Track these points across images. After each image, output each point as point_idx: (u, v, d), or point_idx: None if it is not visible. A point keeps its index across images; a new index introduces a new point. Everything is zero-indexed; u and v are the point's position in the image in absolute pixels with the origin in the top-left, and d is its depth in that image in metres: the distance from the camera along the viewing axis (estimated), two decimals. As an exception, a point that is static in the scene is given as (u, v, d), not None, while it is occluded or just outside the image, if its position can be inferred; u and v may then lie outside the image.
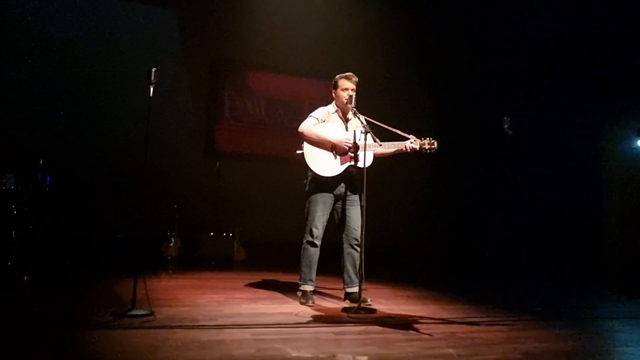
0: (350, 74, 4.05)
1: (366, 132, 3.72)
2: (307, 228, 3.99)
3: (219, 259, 6.17)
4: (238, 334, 3.02)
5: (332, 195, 4.00)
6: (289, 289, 4.34)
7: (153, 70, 3.41)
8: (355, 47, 7.57)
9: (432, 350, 2.88)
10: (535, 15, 6.98)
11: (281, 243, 5.67)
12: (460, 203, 8.12)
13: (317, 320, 3.46)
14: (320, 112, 4.05)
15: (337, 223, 4.07)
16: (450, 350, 2.87)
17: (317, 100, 5.06)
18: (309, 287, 3.98)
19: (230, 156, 7.57)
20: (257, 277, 5.15)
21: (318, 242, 3.98)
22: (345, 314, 3.63)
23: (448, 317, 3.71)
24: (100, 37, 6.82)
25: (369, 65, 7.18)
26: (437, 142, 3.93)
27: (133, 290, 3.25)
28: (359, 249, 3.85)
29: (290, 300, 4.07)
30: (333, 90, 4.11)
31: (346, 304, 3.98)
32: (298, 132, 3.99)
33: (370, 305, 3.90)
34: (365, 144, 3.73)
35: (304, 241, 4.00)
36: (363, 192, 3.77)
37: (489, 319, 3.72)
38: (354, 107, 3.87)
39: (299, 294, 4.01)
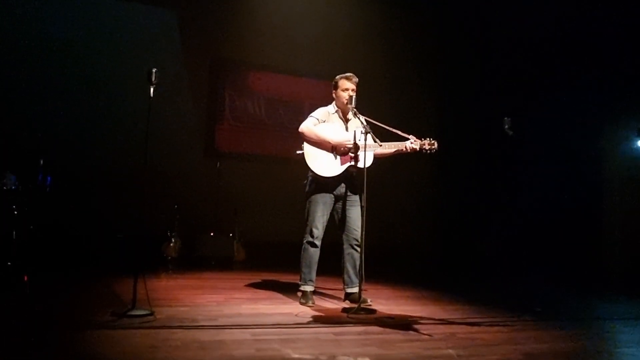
0: (351, 74, 4.06)
1: (366, 133, 3.72)
2: (307, 228, 3.99)
3: (219, 259, 6.17)
4: (238, 334, 3.02)
5: (332, 195, 4.00)
6: (289, 289, 4.35)
7: (153, 70, 3.42)
8: (355, 47, 7.57)
9: (432, 350, 2.88)
10: (535, 15, 6.97)
11: (281, 243, 5.67)
12: (460, 203, 8.11)
13: (317, 320, 3.46)
14: (320, 113, 4.06)
15: (337, 223, 4.08)
16: (450, 350, 2.87)
17: (317, 101, 5.06)
18: (309, 288, 3.98)
19: (231, 156, 7.56)
20: (257, 278, 5.15)
21: (318, 243, 3.98)
22: (345, 315, 3.64)
23: (448, 317, 3.72)
24: (100, 37, 6.82)
25: (369, 65, 7.18)
26: (437, 143, 3.93)
27: (133, 290, 3.25)
28: (359, 249, 3.85)
29: (290, 300, 4.08)
30: (333, 91, 4.11)
31: (346, 304, 3.98)
32: (298, 132, 3.99)
33: (370, 305, 3.90)
34: (365, 145, 3.73)
35: (304, 241, 4.01)
36: (363, 192, 3.77)
37: (488, 319, 3.72)
38: (354, 108, 3.87)
39: (299, 294, 4.02)
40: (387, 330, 3.29)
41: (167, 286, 4.57)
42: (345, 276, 4.02)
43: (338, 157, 3.97)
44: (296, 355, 2.66)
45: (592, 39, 6.59)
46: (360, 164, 3.81)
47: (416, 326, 3.40)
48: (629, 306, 4.96)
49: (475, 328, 3.46)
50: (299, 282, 4.02)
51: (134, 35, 6.97)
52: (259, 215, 6.94)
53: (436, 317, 3.70)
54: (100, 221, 6.21)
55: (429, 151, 3.93)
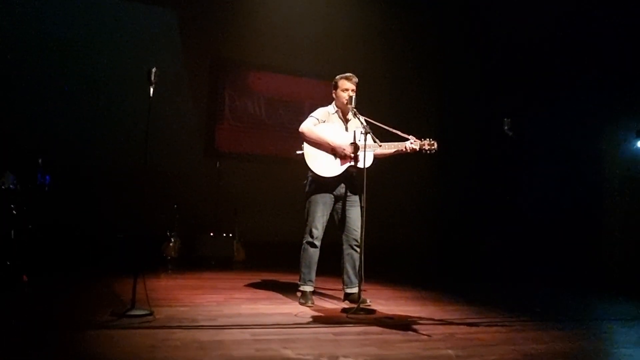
0: (350, 74, 4.06)
1: (366, 133, 3.72)
2: (307, 228, 3.99)
3: (219, 259, 6.18)
4: (237, 334, 3.03)
5: (332, 195, 4.01)
6: (289, 290, 4.35)
7: (153, 70, 3.42)
8: (355, 47, 7.58)
9: (431, 351, 2.89)
10: (535, 15, 6.97)
11: (281, 243, 5.67)
12: (460, 204, 8.11)
13: (316, 320, 3.47)
14: (320, 113, 4.06)
15: (337, 224, 4.08)
16: (449, 351, 2.87)
17: (317, 101, 5.06)
18: (308, 288, 3.99)
19: (230, 156, 7.56)
20: (257, 278, 5.15)
21: (318, 243, 3.98)
22: (344, 315, 3.64)
23: (447, 318, 3.72)
24: (100, 37, 6.82)
25: (369, 65, 7.19)
26: (437, 143, 3.94)
27: (133, 290, 3.25)
28: (358, 249, 3.85)
29: (290, 300, 4.08)
30: (333, 91, 4.11)
31: (345, 304, 3.99)
32: (298, 133, 3.99)
33: (369, 306, 3.91)
34: (365, 145, 3.74)
35: (304, 242, 4.01)
36: (363, 192, 3.77)
37: (487, 320, 3.72)
38: (354, 108, 3.88)
39: (299, 294, 4.02)
40: (387, 330, 3.29)
41: (167, 286, 4.57)
42: (345, 276, 4.03)
43: (338, 157, 3.97)
44: (296, 356, 2.66)
45: (592, 39, 6.59)
46: (360, 164, 3.81)
47: (415, 326, 3.40)
48: (628, 307, 4.96)
49: (474, 328, 3.46)
50: (299, 282, 4.03)
51: (134, 35, 6.97)
52: (258, 215, 6.95)
53: (435, 318, 3.70)
54: (100, 221, 6.21)
55: (428, 151, 3.93)
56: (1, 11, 6.33)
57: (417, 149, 3.93)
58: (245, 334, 3.02)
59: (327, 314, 3.69)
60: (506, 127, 4.63)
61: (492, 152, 7.58)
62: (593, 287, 5.80)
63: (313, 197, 4.00)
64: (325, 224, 4.01)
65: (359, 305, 3.70)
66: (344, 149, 3.90)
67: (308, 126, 3.97)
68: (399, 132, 3.92)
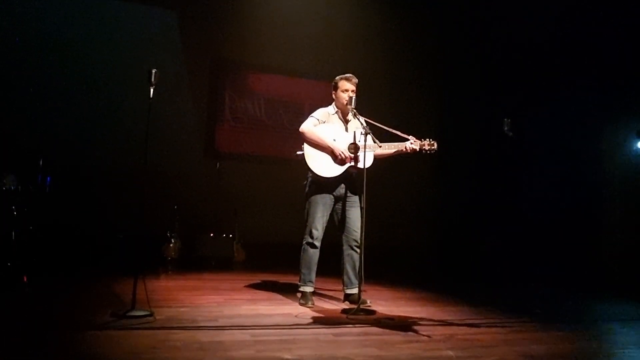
0: (350, 75, 4.06)
1: (366, 134, 3.72)
2: (307, 229, 3.99)
3: (219, 260, 6.17)
4: (238, 335, 3.03)
5: (332, 196, 4.01)
6: (289, 290, 4.35)
7: (153, 71, 3.41)
8: (355, 47, 7.58)
9: (431, 351, 2.89)
10: (535, 15, 6.97)
11: (281, 244, 5.67)
12: (460, 204, 8.11)
13: (316, 321, 3.46)
14: (320, 113, 4.06)
15: (336, 224, 4.08)
16: (449, 352, 2.87)
17: (317, 101, 5.06)
18: (308, 289, 3.99)
19: (231, 157, 7.57)
20: (257, 278, 5.15)
21: (318, 244, 3.98)
22: (344, 316, 3.64)
23: (447, 318, 3.72)
24: (100, 37, 6.82)
25: (369, 65, 7.19)
26: (437, 143, 3.94)
27: (133, 290, 3.25)
28: (358, 250, 3.85)
29: (290, 301, 4.08)
30: (333, 92, 4.11)
31: (345, 305, 3.99)
32: (299, 133, 3.99)
33: (369, 306, 3.91)
34: (365, 145, 3.74)
35: (304, 242, 4.01)
36: (363, 193, 3.77)
37: (488, 320, 3.72)
38: (354, 109, 3.88)
39: (299, 295, 4.02)
40: (387, 331, 3.29)
41: (167, 287, 4.57)
42: (345, 277, 4.03)
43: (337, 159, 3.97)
44: (296, 356, 2.66)
45: (592, 39, 6.59)
46: (360, 165, 3.81)
47: (415, 327, 3.40)
48: (628, 307, 4.96)
49: (474, 329, 3.46)
50: (299, 283, 4.03)
51: (134, 35, 6.98)
52: (258, 215, 6.94)
53: (435, 318, 3.70)
54: (100, 222, 6.22)
55: (428, 152, 3.93)
56: (1, 11, 6.33)
57: (417, 149, 3.92)
58: (246, 335, 3.02)
59: (327, 315, 3.69)
60: (506, 128, 4.62)
61: (492, 152, 7.57)
62: (593, 287, 5.80)
63: (313, 197, 3.99)
64: (325, 225, 4.01)
65: (359, 306, 3.70)
66: (342, 153, 3.90)
67: (308, 127, 3.97)
68: (399, 133, 3.92)
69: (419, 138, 3.95)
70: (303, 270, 4.00)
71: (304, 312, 3.70)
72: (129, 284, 3.31)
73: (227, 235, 6.35)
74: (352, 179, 4.01)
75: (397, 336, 3.19)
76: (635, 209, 6.47)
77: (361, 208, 3.90)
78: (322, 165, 3.94)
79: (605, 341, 3.60)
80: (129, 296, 3.27)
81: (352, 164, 3.91)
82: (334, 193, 4.00)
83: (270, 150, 7.83)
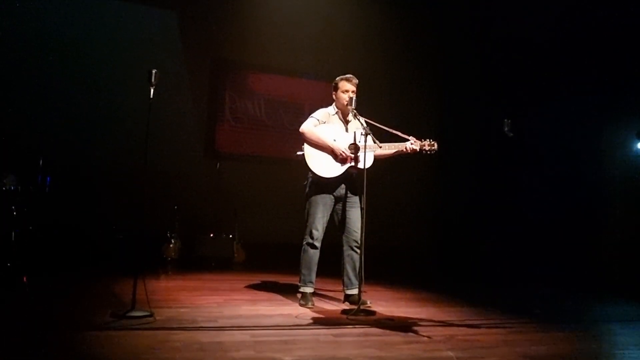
0: (351, 75, 4.06)
1: (366, 134, 3.72)
2: (307, 230, 3.99)
3: (219, 260, 6.17)
4: (237, 335, 3.03)
5: (332, 196, 4.00)
6: (289, 291, 4.35)
7: (154, 71, 3.41)
8: (356, 48, 7.58)
9: (431, 352, 2.89)
10: (535, 15, 6.97)
11: (281, 244, 5.68)
12: (460, 204, 8.11)
13: (316, 322, 3.46)
14: (320, 114, 4.06)
15: (337, 225, 4.07)
16: (450, 352, 2.87)
17: (317, 102, 5.06)
18: (308, 289, 3.98)
19: (231, 157, 7.57)
20: (257, 279, 5.15)
21: (318, 244, 3.98)
22: (344, 316, 3.64)
23: (447, 319, 3.72)
24: (101, 37, 6.82)
25: (369, 65, 7.20)
26: (437, 144, 3.93)
27: (133, 291, 3.25)
28: (358, 250, 3.85)
29: (290, 302, 4.08)
30: (333, 92, 4.11)
31: (346, 306, 3.98)
32: (299, 133, 3.99)
33: (369, 307, 3.90)
34: (365, 146, 3.74)
35: (304, 243, 4.00)
36: (363, 193, 3.77)
37: (488, 321, 3.72)
38: (354, 109, 3.88)
39: (299, 295, 4.02)
40: (387, 331, 3.29)
41: (167, 287, 4.57)
42: (345, 278, 4.02)
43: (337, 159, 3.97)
44: (296, 357, 2.66)
45: (592, 39, 6.59)
46: (360, 165, 3.81)
47: (416, 328, 3.40)
48: (628, 308, 4.96)
49: (475, 330, 3.46)
50: (299, 284, 4.02)
51: (135, 35, 6.98)
52: (258, 216, 6.95)
53: (436, 319, 3.70)
54: (100, 222, 6.22)
55: (429, 152, 3.93)
56: (1, 11, 6.33)
57: (418, 150, 3.92)
58: (245, 335, 3.02)
59: (327, 316, 3.68)
60: (506, 128, 4.62)
61: (492, 152, 7.57)
62: (593, 288, 5.80)
63: (313, 198, 3.99)
64: (325, 225, 4.01)
65: (359, 307, 3.69)
66: (343, 152, 3.90)
67: (308, 127, 3.97)
68: (399, 133, 3.91)
69: (419, 138, 3.95)
70: (303, 271, 3.99)
71: (304, 313, 3.70)
72: (129, 284, 3.30)
73: (227, 236, 6.35)
74: (352, 179, 4.01)
75: (397, 337, 3.18)
76: (635, 209, 6.47)
77: (361, 208, 3.89)
78: (322, 166, 3.94)
79: (605, 342, 3.59)
80: (129, 296, 3.26)
81: (352, 164, 3.91)
82: (334, 193, 4.00)
83: (270, 151, 7.83)
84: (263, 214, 7.04)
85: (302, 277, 4.00)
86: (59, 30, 6.63)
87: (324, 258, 4.04)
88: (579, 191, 6.74)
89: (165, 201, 6.12)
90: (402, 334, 3.26)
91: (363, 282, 3.72)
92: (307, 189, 4.04)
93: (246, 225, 6.53)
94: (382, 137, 3.86)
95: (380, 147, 3.83)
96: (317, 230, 3.96)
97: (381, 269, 5.54)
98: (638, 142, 6.50)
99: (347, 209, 4.01)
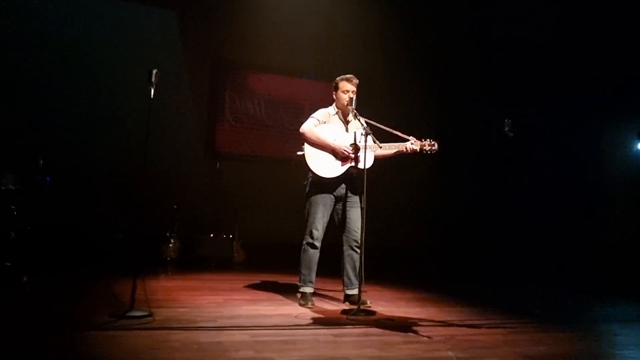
0: (351, 76, 4.06)
1: (367, 134, 3.72)
2: (307, 229, 3.98)
3: (219, 260, 6.16)
4: (237, 335, 3.02)
5: (332, 196, 4.00)
6: (289, 291, 4.34)
7: (154, 71, 3.41)
8: (356, 48, 7.58)
9: (432, 352, 2.89)
10: (535, 15, 6.97)
11: (281, 244, 5.68)
12: (460, 204, 8.11)
13: (316, 322, 3.46)
14: (321, 114, 4.06)
15: (337, 224, 4.07)
16: (450, 352, 2.87)
17: (317, 102, 5.06)
18: (308, 289, 3.98)
19: (231, 157, 7.56)
20: (257, 279, 5.14)
21: (318, 244, 3.98)
22: (344, 316, 3.64)
23: (447, 319, 3.72)
24: (101, 37, 6.82)
25: (369, 65, 7.19)
26: (438, 144, 3.93)
27: (132, 291, 3.25)
28: (359, 250, 3.85)
29: (290, 302, 4.07)
30: (334, 92, 4.11)
31: (346, 306, 3.98)
32: (299, 133, 3.99)
33: (369, 307, 3.90)
34: (365, 146, 3.74)
35: (304, 243, 4.00)
36: (363, 193, 3.77)
37: (488, 321, 3.72)
38: (355, 109, 3.88)
39: (299, 295, 4.01)
40: (387, 332, 3.29)
41: (166, 287, 4.56)
42: (345, 278, 4.02)
43: (338, 158, 3.97)
44: (295, 357, 2.65)
45: (592, 39, 6.59)
46: (360, 165, 3.81)
47: (416, 328, 3.40)
48: (629, 308, 4.96)
49: (475, 330, 3.46)
50: (299, 284, 4.02)
51: (135, 35, 6.97)
52: (258, 216, 6.94)
53: (436, 319, 3.70)
54: (100, 222, 6.21)
55: (429, 152, 3.93)
56: (1, 11, 6.33)
57: (418, 150, 3.92)
58: (245, 336, 3.01)
59: (327, 316, 3.68)
60: (506, 129, 4.61)
61: (492, 152, 7.57)
62: (593, 288, 5.80)
63: (313, 198, 3.99)
64: (325, 225, 4.01)
65: (359, 307, 3.69)
66: (345, 150, 3.90)
67: (309, 127, 3.96)
68: (399, 133, 3.91)
69: (419, 138, 3.95)
70: (303, 271, 3.99)
71: (304, 313, 3.69)
72: (129, 284, 3.30)
73: (227, 236, 6.34)
74: (352, 179, 4.01)
75: (397, 337, 3.18)
76: (635, 209, 6.47)
77: (361, 208, 3.89)
78: (322, 165, 3.94)
79: (605, 342, 3.59)
80: (128, 296, 3.26)
81: (353, 164, 3.91)
82: (335, 193, 4.00)
83: (270, 151, 7.83)
84: (263, 214, 7.04)
85: (302, 277, 3.99)
86: (59, 30, 6.62)
87: (324, 258, 4.03)
88: (579, 191, 6.74)
89: (165, 201, 6.12)
90: (402, 334, 3.25)
91: (363, 282, 3.72)
92: (307, 189, 4.03)
93: (246, 225, 6.53)
94: (382, 137, 3.86)
95: (381, 147, 3.83)
96: (317, 230, 3.95)
97: (381, 269, 5.54)
98: (638, 143, 6.50)
99: (347, 208, 4.01)
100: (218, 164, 6.76)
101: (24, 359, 2.46)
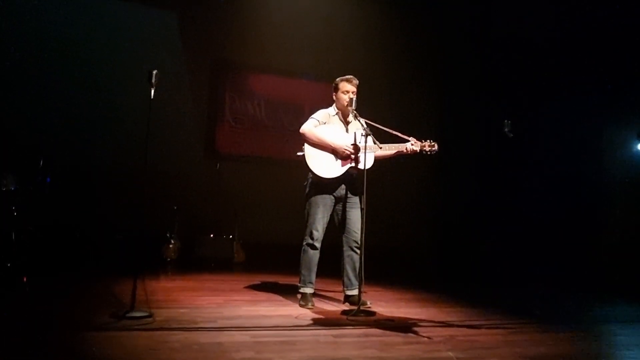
0: (351, 76, 4.06)
1: (367, 135, 3.72)
2: (307, 230, 3.98)
3: (219, 261, 6.15)
4: (237, 336, 3.02)
5: (332, 197, 4.00)
6: (289, 292, 4.34)
7: (154, 72, 3.41)
8: (355, 48, 7.58)
9: (432, 353, 2.89)
10: (535, 15, 6.97)
11: (281, 245, 5.66)
12: (460, 205, 8.11)
13: (316, 322, 3.46)
14: (321, 114, 4.06)
15: (337, 225, 4.07)
16: (450, 353, 2.87)
17: (317, 103, 5.05)
18: (308, 290, 3.98)
19: (231, 158, 7.56)
20: (257, 279, 5.14)
21: (318, 245, 3.97)
22: (344, 317, 3.63)
23: (447, 320, 3.72)
24: (101, 38, 6.82)
25: (369, 66, 7.19)
26: (438, 144, 3.93)
27: (132, 291, 3.24)
28: (359, 251, 3.84)
29: (290, 302, 4.07)
30: (334, 93, 4.11)
31: (346, 306, 3.98)
32: (299, 133, 3.99)
33: (369, 308, 3.90)
34: (365, 147, 3.74)
35: (304, 243, 4.00)
36: (363, 194, 3.77)
37: (488, 322, 3.72)
38: (355, 110, 3.87)
39: (299, 296, 4.01)
40: (387, 332, 3.29)
41: (167, 288, 4.56)
42: (345, 278, 4.02)
43: (338, 158, 3.97)
44: (295, 358, 2.65)
45: (593, 39, 6.59)
46: (360, 166, 3.81)
47: (416, 328, 3.40)
48: (629, 309, 4.96)
49: (475, 331, 3.46)
50: (299, 284, 4.02)
51: (135, 36, 6.97)
52: (258, 216, 6.94)
53: (436, 320, 3.70)
54: (100, 222, 6.21)
55: (429, 153, 3.93)
56: (1, 11, 6.33)
57: (418, 151, 3.92)
58: (245, 336, 3.01)
59: (327, 316, 3.68)
60: (506, 129, 4.61)
61: (492, 153, 7.57)
62: (593, 288, 5.80)
63: (313, 198, 3.99)
64: (325, 226, 4.00)
65: (359, 307, 3.69)
66: (346, 149, 3.90)
67: (309, 127, 3.96)
68: (400, 134, 3.92)
69: (419, 139, 3.95)
70: (303, 272, 3.99)
71: (304, 314, 3.69)
72: (129, 284, 3.30)
73: (227, 236, 6.34)
74: (352, 179, 4.00)
75: (397, 337, 3.18)
76: (635, 209, 6.47)
77: (361, 209, 3.89)
78: (322, 166, 3.94)
79: (605, 342, 3.60)
80: (129, 297, 3.26)
81: (353, 164, 3.91)
82: (335, 194, 4.00)
83: (270, 151, 7.82)
84: (263, 214, 7.03)
85: (302, 278, 3.99)
86: (59, 30, 6.62)
87: (324, 259, 4.03)
88: (579, 191, 6.75)
89: (165, 201, 6.11)
90: (402, 334, 3.25)
91: (363, 282, 3.72)
92: (307, 190, 4.03)
93: (246, 226, 6.52)
94: (382, 138, 3.86)
95: (381, 147, 3.83)
96: (317, 230, 3.95)
97: (381, 270, 5.54)
98: (639, 143, 6.51)
99: (347, 209, 4.00)
100: (218, 164, 6.75)
101: (24, 359, 2.46)
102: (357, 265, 3.86)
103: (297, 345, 2.89)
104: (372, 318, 3.68)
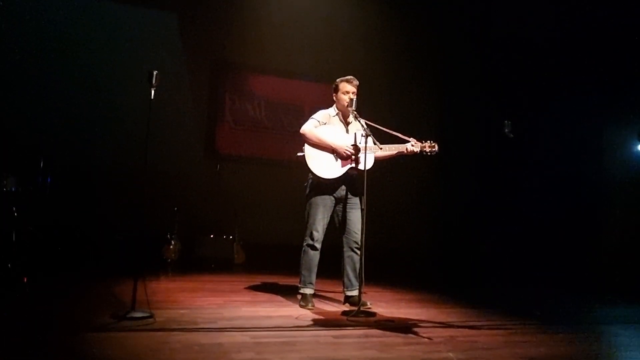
0: (351, 77, 4.06)
1: (367, 136, 3.72)
2: (308, 231, 3.98)
3: (219, 262, 6.16)
4: (237, 337, 3.02)
5: (332, 197, 4.00)
6: (289, 292, 4.34)
7: (154, 73, 3.41)
8: (355, 49, 7.58)
9: (432, 354, 2.88)
10: (536, 15, 6.97)
11: (281, 246, 5.66)
12: (461, 206, 8.11)
13: (316, 323, 3.46)
14: (321, 115, 4.06)
15: (337, 226, 4.07)
16: (450, 354, 2.87)
17: (317, 103, 5.05)
18: (308, 290, 3.98)
19: (231, 158, 7.56)
20: (257, 280, 5.14)
21: (318, 245, 3.97)
22: (344, 318, 3.63)
23: (448, 320, 3.71)
24: (101, 38, 6.82)
25: (369, 66, 7.19)
26: (438, 145, 3.93)
27: (133, 292, 3.24)
28: (359, 252, 3.84)
29: (290, 303, 4.07)
30: (334, 94, 4.11)
31: (346, 307, 3.98)
32: (300, 134, 3.99)
33: (370, 308, 3.90)
34: (365, 147, 3.73)
35: (304, 244, 4.00)
36: (363, 195, 3.77)
37: (488, 323, 3.72)
38: (355, 111, 3.87)
39: (299, 297, 4.01)
40: (387, 333, 3.29)
41: (167, 288, 4.56)
42: (345, 279, 4.02)
43: (339, 159, 3.97)
44: (296, 359, 2.65)
45: (592, 40, 6.59)
46: (360, 166, 3.81)
47: (416, 329, 3.39)
48: (629, 310, 4.95)
49: (475, 331, 3.46)
50: (299, 285, 4.02)
51: (135, 36, 6.97)
52: (259, 217, 6.94)
53: (436, 320, 3.70)
54: (100, 223, 6.21)
55: (429, 153, 3.93)
56: (1, 11, 6.33)
57: (418, 151, 3.92)
58: (245, 337, 3.01)
59: (327, 317, 3.68)
60: (506, 130, 4.62)
61: (492, 153, 7.57)
62: (593, 289, 5.80)
63: (313, 199, 3.99)
64: (325, 227, 4.00)
65: (359, 308, 3.69)
66: (346, 150, 3.90)
67: (309, 128, 3.96)
68: (400, 135, 3.92)
69: (419, 140, 3.95)
70: (303, 272, 3.99)
71: (304, 314, 3.69)
72: (129, 285, 3.30)
73: (227, 237, 6.34)
74: (352, 180, 4.00)
75: (397, 338, 3.18)
76: (635, 209, 6.47)
77: (361, 209, 3.89)
78: (322, 166, 3.93)
79: (605, 343, 3.59)
80: (129, 297, 3.26)
81: (353, 165, 3.91)
82: (335, 194, 4.00)
83: (270, 152, 7.82)
84: (263, 215, 7.03)
85: (302, 279, 3.99)
86: (59, 30, 6.62)
87: (324, 259, 4.03)
88: (579, 192, 6.75)
89: (165, 202, 6.11)
90: (403, 335, 3.25)
91: (363, 283, 3.72)
92: (308, 190, 4.03)
93: (246, 227, 6.53)
94: (382, 138, 3.86)
95: (381, 148, 3.83)
96: (318, 231, 3.95)
97: (381, 270, 5.53)
98: (639, 143, 6.51)
99: (347, 210, 4.00)
100: (218, 165, 6.76)
101: (24, 359, 2.46)
102: (358, 265, 3.86)
103: (298, 346, 2.89)
104: (372, 319, 3.67)
